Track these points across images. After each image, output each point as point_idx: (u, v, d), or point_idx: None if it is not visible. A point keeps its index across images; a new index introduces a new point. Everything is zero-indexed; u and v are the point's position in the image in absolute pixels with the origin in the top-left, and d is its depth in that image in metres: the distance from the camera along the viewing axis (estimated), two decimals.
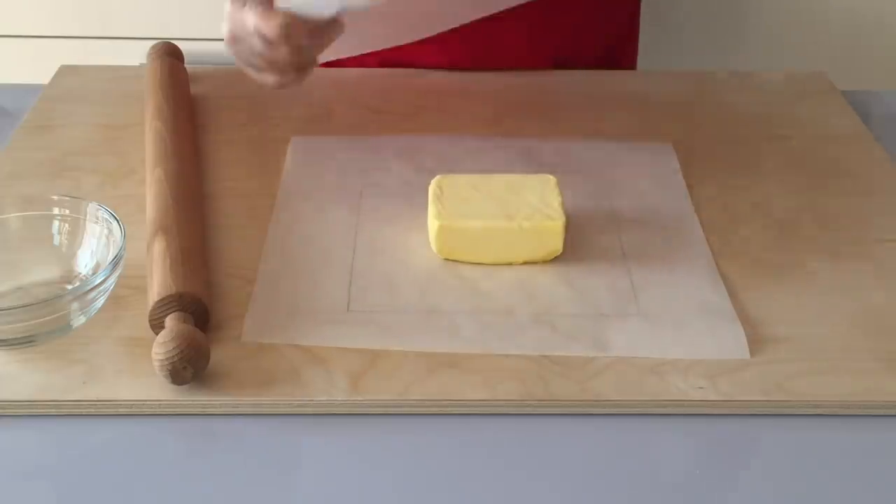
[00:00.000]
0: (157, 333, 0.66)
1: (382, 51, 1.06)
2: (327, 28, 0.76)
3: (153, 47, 1.01)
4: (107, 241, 0.72)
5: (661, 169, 0.88)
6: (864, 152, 0.93)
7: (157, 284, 0.68)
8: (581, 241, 0.77)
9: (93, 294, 0.68)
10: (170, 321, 0.66)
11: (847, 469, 0.63)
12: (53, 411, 0.64)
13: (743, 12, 1.65)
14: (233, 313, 0.71)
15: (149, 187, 0.80)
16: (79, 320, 0.69)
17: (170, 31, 1.53)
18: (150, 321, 0.68)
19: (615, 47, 1.12)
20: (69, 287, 0.71)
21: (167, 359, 0.63)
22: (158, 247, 0.71)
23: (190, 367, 0.64)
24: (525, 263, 0.75)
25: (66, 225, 0.74)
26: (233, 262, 0.76)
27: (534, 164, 0.87)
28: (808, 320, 0.72)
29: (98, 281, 0.67)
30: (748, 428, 0.65)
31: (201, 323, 0.68)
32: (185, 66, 1.01)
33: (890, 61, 1.66)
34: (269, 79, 0.78)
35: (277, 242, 0.77)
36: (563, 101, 1.00)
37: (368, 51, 0.94)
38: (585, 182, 0.85)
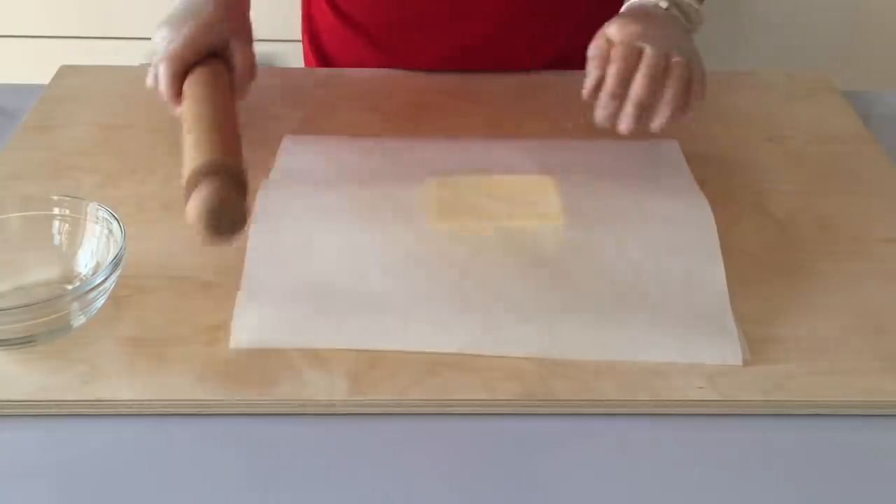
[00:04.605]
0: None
1: (382, 52, 1.06)
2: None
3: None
4: (107, 241, 0.72)
5: (668, 166, 0.88)
6: (864, 152, 0.93)
7: (191, 156, 0.69)
8: (582, 240, 0.77)
9: (93, 294, 0.68)
10: (205, 181, 0.65)
11: (847, 469, 0.63)
12: (53, 411, 0.64)
13: (743, 12, 1.65)
14: (232, 314, 0.71)
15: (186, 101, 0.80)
16: (79, 320, 0.69)
17: None
18: (185, 192, 0.67)
19: None
20: (69, 287, 0.71)
21: (203, 209, 0.62)
22: (191, 124, 0.73)
23: (225, 218, 0.63)
24: (524, 262, 0.75)
25: (66, 225, 0.74)
26: (233, 262, 0.75)
27: (535, 164, 0.87)
28: (808, 320, 0.72)
29: (98, 281, 0.67)
30: (748, 428, 0.65)
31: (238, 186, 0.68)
32: None
33: (890, 61, 1.66)
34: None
35: (263, 244, 0.76)
36: (563, 101, 1.00)
37: None
38: (589, 181, 0.84)
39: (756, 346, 0.69)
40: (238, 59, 0.85)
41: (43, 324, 0.67)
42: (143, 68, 1.00)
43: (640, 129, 0.78)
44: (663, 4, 0.84)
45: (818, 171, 0.89)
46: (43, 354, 0.67)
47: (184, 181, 0.68)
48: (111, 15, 1.57)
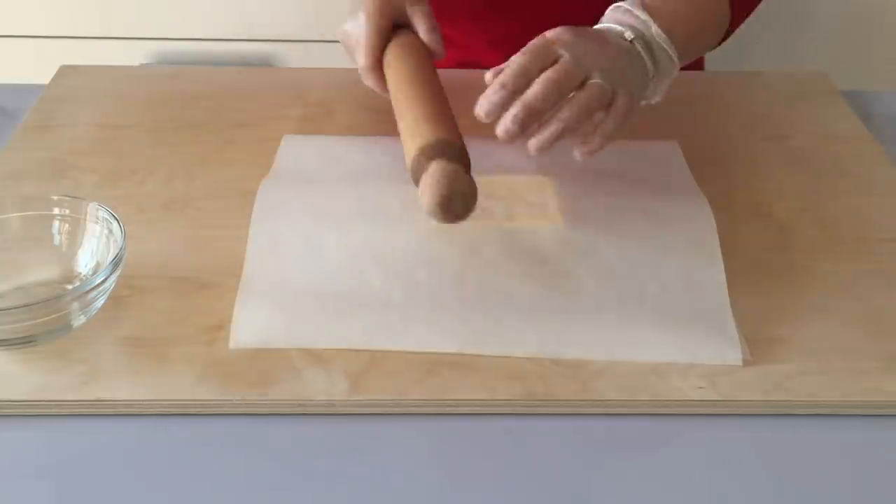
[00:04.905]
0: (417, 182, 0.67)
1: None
2: None
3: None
4: (107, 241, 0.72)
5: (668, 167, 0.88)
6: (864, 152, 0.93)
7: (416, 136, 0.71)
8: (582, 241, 0.77)
9: (93, 294, 0.68)
10: (433, 164, 0.67)
11: (847, 469, 0.63)
12: (53, 411, 0.64)
13: None
14: (232, 314, 0.71)
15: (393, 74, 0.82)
16: (79, 320, 0.69)
17: (170, 31, 1.53)
18: (413, 175, 0.69)
19: None
20: (69, 287, 0.71)
21: (436, 193, 0.64)
22: (407, 111, 0.75)
23: (458, 196, 0.64)
24: (524, 262, 0.75)
25: (66, 225, 0.74)
26: (233, 262, 0.75)
27: (535, 164, 0.87)
28: (808, 321, 0.72)
29: (98, 281, 0.67)
30: (748, 428, 0.65)
31: (463, 164, 0.69)
32: (185, 66, 1.01)
33: (890, 61, 1.66)
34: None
35: (263, 244, 0.77)
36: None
37: None
38: (588, 181, 0.84)
39: (756, 346, 0.69)
40: (419, 22, 0.84)
41: (43, 324, 0.67)
42: (144, 68, 1.00)
43: (520, 141, 0.71)
44: (628, 35, 0.77)
45: (818, 171, 0.89)
46: (43, 354, 0.67)
47: (408, 164, 0.69)
48: (111, 15, 1.57)
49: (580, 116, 0.71)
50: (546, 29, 0.98)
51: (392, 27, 0.84)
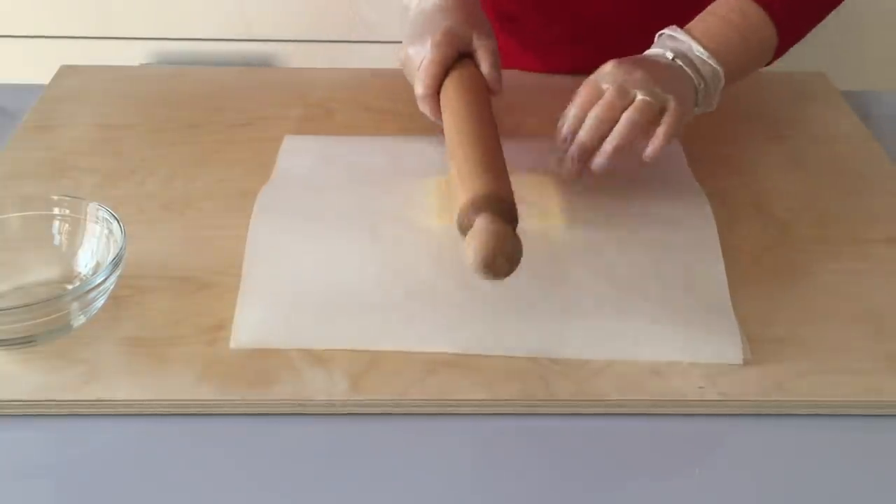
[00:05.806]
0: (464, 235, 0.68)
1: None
2: None
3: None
4: (107, 241, 0.72)
5: (668, 166, 0.87)
6: (863, 152, 0.93)
7: (467, 184, 0.70)
8: (582, 240, 0.77)
9: (93, 294, 0.68)
10: (479, 220, 0.67)
11: (847, 469, 0.63)
12: (53, 411, 0.64)
13: None
14: (233, 313, 0.71)
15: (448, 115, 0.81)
16: (79, 320, 0.69)
17: (170, 31, 1.53)
18: (459, 225, 0.69)
19: None
20: (69, 287, 0.71)
21: (480, 252, 0.64)
22: (461, 153, 0.75)
23: (501, 257, 0.64)
24: (524, 262, 0.75)
25: (66, 225, 0.74)
26: (232, 262, 0.75)
27: (535, 164, 0.87)
28: (808, 320, 0.72)
29: (98, 281, 0.67)
30: (748, 428, 0.65)
31: (510, 220, 0.69)
32: (185, 66, 1.01)
33: (890, 61, 1.66)
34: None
35: (263, 244, 0.77)
36: (564, 101, 1.00)
37: None
38: (589, 181, 0.84)
39: (756, 346, 0.69)
40: (483, 57, 0.85)
41: (43, 324, 0.67)
42: (143, 68, 1.00)
43: (583, 171, 0.79)
44: (668, 55, 0.82)
45: (818, 171, 0.89)
46: (43, 354, 0.67)
47: (457, 213, 0.69)
48: (111, 15, 1.57)
49: (627, 133, 0.77)
50: (579, 31, 0.99)
51: (456, 56, 0.84)
